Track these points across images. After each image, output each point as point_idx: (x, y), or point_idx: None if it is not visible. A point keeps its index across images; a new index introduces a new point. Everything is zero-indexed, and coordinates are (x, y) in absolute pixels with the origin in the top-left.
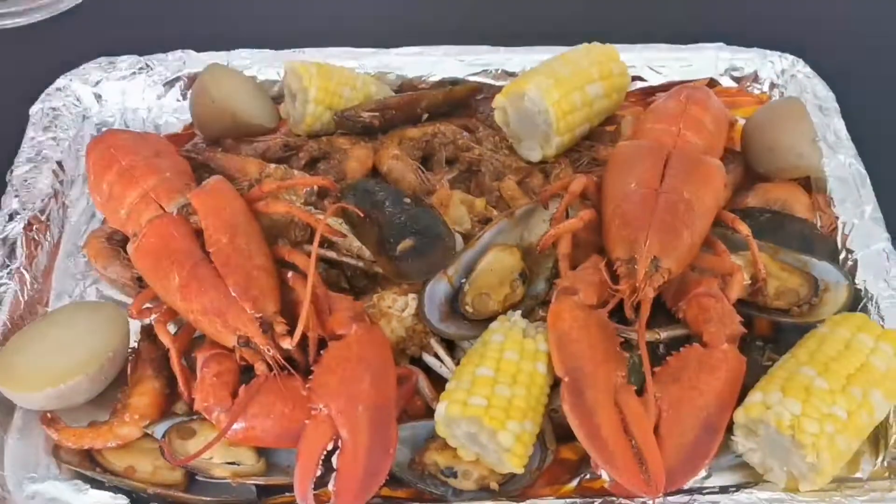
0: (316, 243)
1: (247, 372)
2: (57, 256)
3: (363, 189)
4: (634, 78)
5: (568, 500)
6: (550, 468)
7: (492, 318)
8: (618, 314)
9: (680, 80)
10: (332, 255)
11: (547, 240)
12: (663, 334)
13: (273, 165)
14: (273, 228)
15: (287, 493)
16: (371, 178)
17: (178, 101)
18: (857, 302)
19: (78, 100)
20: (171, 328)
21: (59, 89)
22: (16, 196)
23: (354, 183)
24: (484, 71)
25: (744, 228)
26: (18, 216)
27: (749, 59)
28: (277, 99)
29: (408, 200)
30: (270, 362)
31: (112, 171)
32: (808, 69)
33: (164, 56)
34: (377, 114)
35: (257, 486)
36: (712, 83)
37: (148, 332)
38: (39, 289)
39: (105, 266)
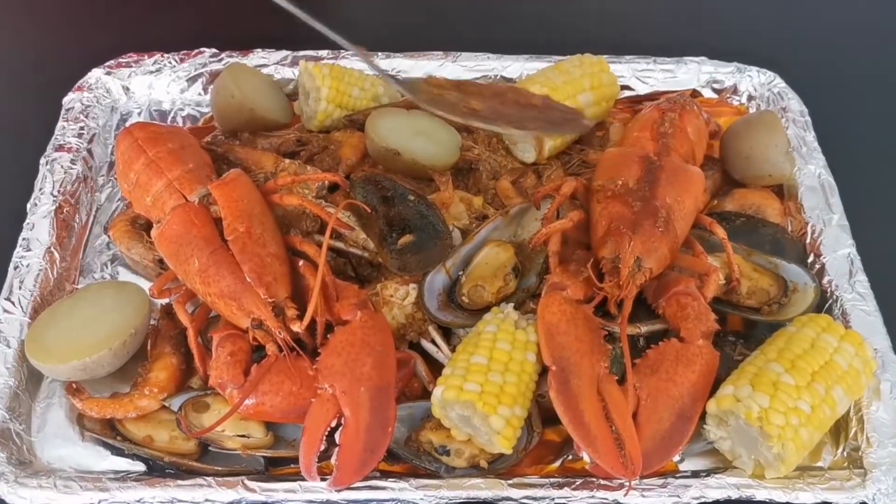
0: (327, 236)
1: (258, 352)
2: (84, 238)
3: (372, 183)
4: (623, 87)
5: (551, 479)
6: (536, 449)
7: (486, 309)
8: (602, 308)
9: (665, 90)
10: (339, 245)
11: (539, 238)
12: (644, 329)
13: (288, 160)
14: (285, 219)
15: (292, 465)
16: (379, 173)
17: (199, 95)
18: (822, 303)
19: (108, 92)
20: (189, 308)
21: (91, 82)
22: (48, 180)
23: (365, 176)
24: (484, 76)
25: (720, 231)
26: (50, 199)
27: (729, 73)
28: (292, 96)
29: (412, 198)
30: (281, 344)
31: (139, 161)
32: (783, 84)
33: (188, 53)
34: None
35: (265, 457)
36: (695, 94)
37: (167, 312)
38: (67, 267)
39: (129, 248)
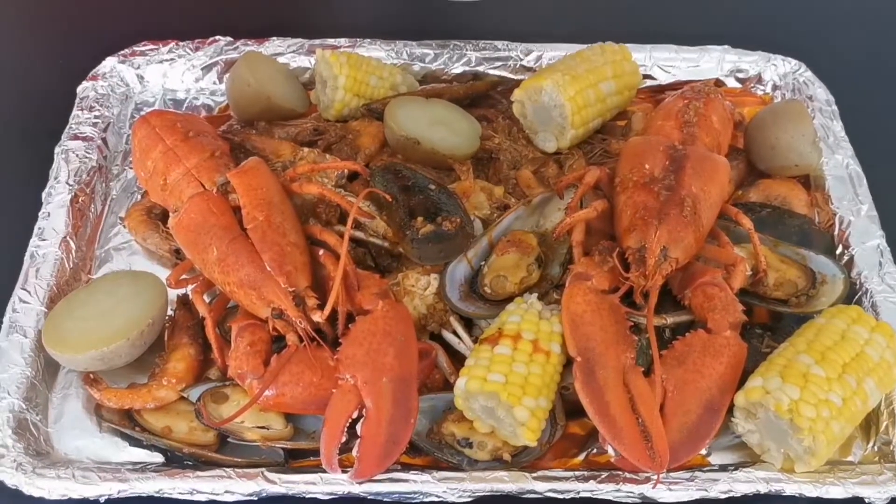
0: (349, 224)
1: (278, 342)
2: (100, 227)
3: (392, 172)
4: (645, 76)
5: (576, 473)
6: (560, 442)
7: (508, 300)
8: (627, 299)
9: (687, 79)
10: (360, 234)
11: (562, 228)
12: (670, 319)
13: (306, 149)
14: (304, 208)
15: (313, 458)
16: (399, 163)
17: (214, 84)
18: (852, 295)
19: (122, 80)
20: (207, 298)
21: (105, 70)
22: (63, 169)
23: (384, 165)
24: (503, 65)
25: (746, 222)
26: (66, 188)
27: (753, 62)
28: (308, 85)
29: (433, 187)
30: (301, 334)
31: (157, 149)
32: (809, 73)
33: (202, 42)
34: None
35: (285, 449)
36: (718, 83)
37: (184, 302)
38: (83, 257)
39: (145, 237)
